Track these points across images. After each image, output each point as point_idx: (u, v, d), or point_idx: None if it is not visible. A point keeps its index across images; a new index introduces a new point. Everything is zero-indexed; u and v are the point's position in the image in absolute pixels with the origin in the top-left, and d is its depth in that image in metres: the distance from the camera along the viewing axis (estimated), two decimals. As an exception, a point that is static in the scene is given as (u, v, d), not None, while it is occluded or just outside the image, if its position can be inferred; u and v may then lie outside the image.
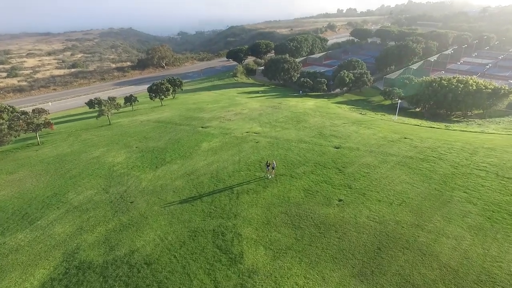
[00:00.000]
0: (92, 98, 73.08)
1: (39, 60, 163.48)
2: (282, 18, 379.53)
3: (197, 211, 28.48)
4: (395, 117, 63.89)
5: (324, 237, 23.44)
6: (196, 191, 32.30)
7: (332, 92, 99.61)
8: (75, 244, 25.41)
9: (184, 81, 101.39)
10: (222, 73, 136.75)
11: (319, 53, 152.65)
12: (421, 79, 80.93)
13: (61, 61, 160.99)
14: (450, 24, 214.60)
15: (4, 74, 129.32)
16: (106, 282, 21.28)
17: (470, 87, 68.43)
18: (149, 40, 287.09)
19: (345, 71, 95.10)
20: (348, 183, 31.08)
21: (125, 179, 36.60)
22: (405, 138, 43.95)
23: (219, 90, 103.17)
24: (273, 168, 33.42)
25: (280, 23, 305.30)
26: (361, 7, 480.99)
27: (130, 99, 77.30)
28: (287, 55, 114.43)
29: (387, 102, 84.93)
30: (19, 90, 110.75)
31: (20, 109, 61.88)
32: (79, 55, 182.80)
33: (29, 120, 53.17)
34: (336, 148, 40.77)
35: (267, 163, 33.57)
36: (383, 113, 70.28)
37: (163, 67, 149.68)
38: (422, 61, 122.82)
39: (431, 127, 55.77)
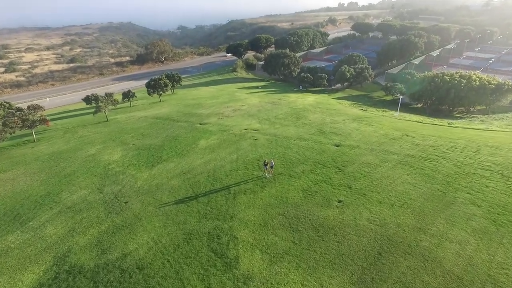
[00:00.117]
0: (89, 94, 72.05)
1: (38, 55, 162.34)
2: (283, 12, 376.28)
3: (193, 212, 27.68)
4: (397, 113, 62.82)
5: (323, 240, 22.62)
6: (192, 190, 31.48)
7: (333, 87, 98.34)
8: (66, 247, 24.66)
9: (183, 76, 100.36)
10: (221, 68, 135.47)
11: (320, 47, 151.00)
12: (423, 74, 79.70)
13: (59, 56, 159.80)
14: (452, 18, 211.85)
15: (2, 69, 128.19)
16: (97, 288, 20.56)
17: (473, 83, 67.23)
18: (148, 35, 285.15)
19: (346, 66, 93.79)
20: (348, 183, 30.20)
21: (120, 178, 35.80)
22: (407, 135, 42.96)
23: (219, 85, 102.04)
24: (271, 167, 32.56)
25: (281, 17, 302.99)
26: (362, 1, 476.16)
27: (128, 95, 76.38)
28: (287, 50, 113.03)
29: (389, 98, 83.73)
30: (17, 85, 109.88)
31: (16, 105, 61.06)
32: (78, 50, 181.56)
33: (24, 117, 52.34)
34: (336, 146, 39.83)
35: (265, 162, 32.70)
36: (384, 109, 69.16)
37: (162, 62, 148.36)
38: (424, 56, 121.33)
39: (433, 124, 54.72)
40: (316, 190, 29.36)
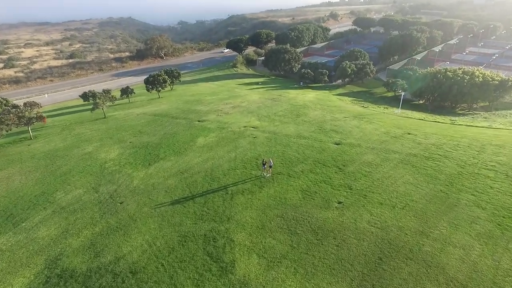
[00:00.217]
0: (86, 91, 71.20)
1: (37, 51, 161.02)
2: (284, 6, 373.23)
3: (189, 213, 27.01)
4: (398, 110, 61.81)
5: (322, 244, 21.93)
6: (189, 190, 30.81)
7: (334, 83, 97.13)
8: (58, 250, 24.05)
9: (183, 72, 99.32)
10: (221, 63, 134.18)
11: (321, 43, 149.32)
12: (425, 70, 78.41)
13: (59, 52, 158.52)
14: (455, 13, 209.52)
15: (1, 65, 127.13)
16: (89, 293, 19.97)
17: (477, 79, 66.05)
18: (148, 30, 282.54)
19: (347, 61, 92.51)
20: (349, 183, 29.45)
21: (116, 177, 35.14)
22: (409, 133, 42.09)
23: (218, 81, 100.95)
24: (270, 166, 31.85)
25: (281, 12, 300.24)
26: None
27: (126, 91, 75.45)
28: (288, 45, 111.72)
29: (390, 94, 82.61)
30: (16, 81, 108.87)
31: (12, 102, 60.32)
32: (78, 45, 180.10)
33: (20, 114, 51.56)
34: (337, 144, 39.03)
35: (263, 161, 31.98)
36: (385, 106, 68.17)
37: (162, 57, 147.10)
38: (426, 51, 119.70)
39: (435, 121, 53.78)
40: (316, 191, 28.64)
